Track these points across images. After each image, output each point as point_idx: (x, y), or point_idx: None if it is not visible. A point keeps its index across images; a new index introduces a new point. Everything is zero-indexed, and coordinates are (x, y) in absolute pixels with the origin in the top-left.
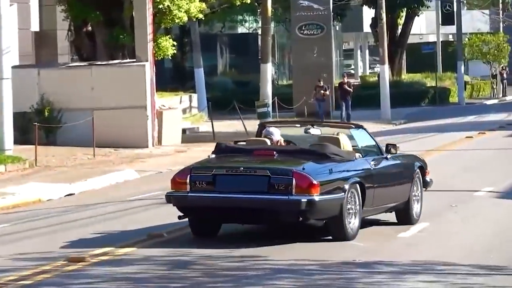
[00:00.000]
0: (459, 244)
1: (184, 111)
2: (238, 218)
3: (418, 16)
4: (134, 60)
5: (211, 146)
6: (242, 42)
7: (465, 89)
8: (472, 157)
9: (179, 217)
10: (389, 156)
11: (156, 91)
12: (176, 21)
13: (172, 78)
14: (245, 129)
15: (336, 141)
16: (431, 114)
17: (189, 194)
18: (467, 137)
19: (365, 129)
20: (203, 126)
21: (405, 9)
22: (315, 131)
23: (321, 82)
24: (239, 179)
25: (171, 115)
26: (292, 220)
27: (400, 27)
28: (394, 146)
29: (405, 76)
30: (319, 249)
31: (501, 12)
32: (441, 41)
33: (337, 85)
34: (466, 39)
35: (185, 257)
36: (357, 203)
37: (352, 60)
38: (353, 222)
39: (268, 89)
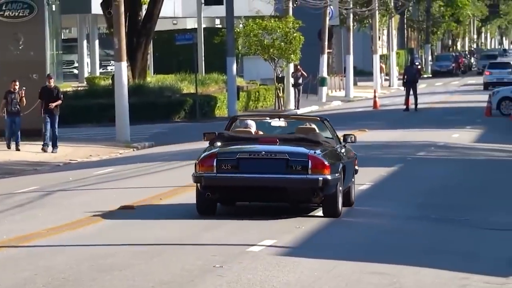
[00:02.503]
0: None
1: None
2: (261, 196)
3: None
4: None
5: None
6: None
7: (239, 98)
8: None
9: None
10: (346, 144)
11: None
12: None
13: None
14: None
15: (314, 131)
16: (187, 133)
17: (217, 175)
18: None
19: (328, 121)
20: None
21: None
22: (280, 123)
23: (17, 85)
24: (260, 162)
25: None
26: (308, 197)
27: (145, 8)
28: (351, 136)
29: (152, 79)
30: None
31: None
32: (204, 28)
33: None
34: (241, 25)
35: None
36: (342, 184)
37: (75, 55)
38: (341, 201)
39: None
